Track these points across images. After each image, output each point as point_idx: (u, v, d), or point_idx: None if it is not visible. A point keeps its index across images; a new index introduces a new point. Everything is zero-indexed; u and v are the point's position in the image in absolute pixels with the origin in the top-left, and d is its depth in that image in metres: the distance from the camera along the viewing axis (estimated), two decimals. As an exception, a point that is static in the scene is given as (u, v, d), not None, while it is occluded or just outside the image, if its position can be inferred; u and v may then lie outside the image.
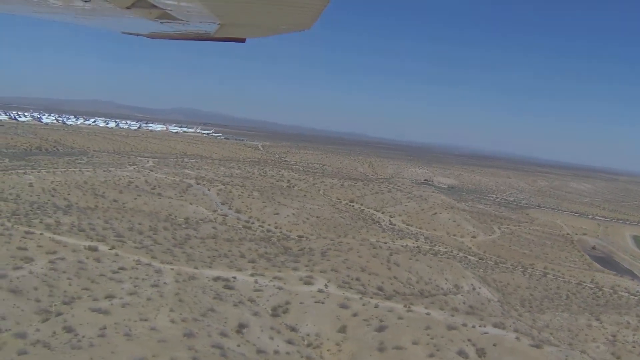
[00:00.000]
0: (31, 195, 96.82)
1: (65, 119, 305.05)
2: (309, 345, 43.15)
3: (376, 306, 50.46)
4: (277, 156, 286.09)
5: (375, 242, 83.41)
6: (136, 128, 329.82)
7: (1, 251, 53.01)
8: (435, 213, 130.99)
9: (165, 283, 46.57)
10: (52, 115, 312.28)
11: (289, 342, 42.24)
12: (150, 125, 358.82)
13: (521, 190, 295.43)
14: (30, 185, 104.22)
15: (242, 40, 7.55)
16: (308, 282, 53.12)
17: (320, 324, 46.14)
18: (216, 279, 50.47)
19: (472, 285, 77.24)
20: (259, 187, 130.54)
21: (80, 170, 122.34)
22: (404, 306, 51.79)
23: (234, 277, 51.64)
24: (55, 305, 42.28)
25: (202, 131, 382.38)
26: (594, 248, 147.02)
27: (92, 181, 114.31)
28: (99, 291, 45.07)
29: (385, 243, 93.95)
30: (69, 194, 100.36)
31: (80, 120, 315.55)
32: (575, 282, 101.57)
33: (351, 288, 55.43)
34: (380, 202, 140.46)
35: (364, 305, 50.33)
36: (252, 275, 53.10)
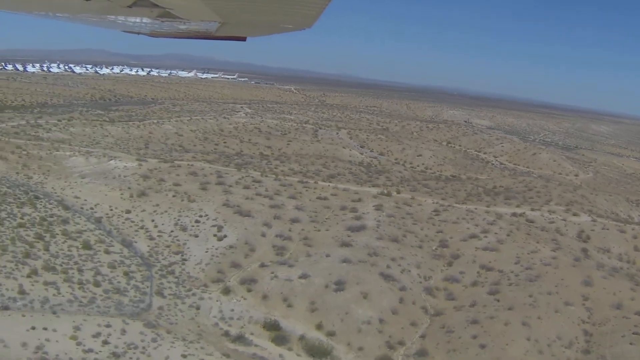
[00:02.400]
0: (195, 145, 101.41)
1: (96, 69, 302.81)
2: (628, 262, 51.38)
3: (643, 230, 58.69)
4: (317, 100, 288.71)
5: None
6: (167, 75, 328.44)
7: (310, 198, 59.58)
8: (535, 153, 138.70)
9: (494, 220, 54.09)
10: (77, 66, 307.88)
11: (618, 259, 50.36)
12: (179, 72, 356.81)
13: (553, 131, 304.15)
14: (180, 135, 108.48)
15: (243, 39, 7.65)
16: (575, 214, 60.96)
17: (619, 245, 54.38)
18: (514, 214, 58.02)
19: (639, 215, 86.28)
20: (369, 129, 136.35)
21: (203, 119, 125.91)
22: (662, 229, 60.14)
23: (523, 213, 59.32)
24: (436, 248, 49.64)
25: (226, 76, 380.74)
26: None
27: (226, 128, 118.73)
28: (454, 233, 52.44)
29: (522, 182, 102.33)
30: (225, 142, 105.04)
31: (106, 70, 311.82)
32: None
33: (600, 216, 63.52)
34: (474, 143, 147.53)
35: (633, 229, 58.53)
36: (532, 210, 60.84)
